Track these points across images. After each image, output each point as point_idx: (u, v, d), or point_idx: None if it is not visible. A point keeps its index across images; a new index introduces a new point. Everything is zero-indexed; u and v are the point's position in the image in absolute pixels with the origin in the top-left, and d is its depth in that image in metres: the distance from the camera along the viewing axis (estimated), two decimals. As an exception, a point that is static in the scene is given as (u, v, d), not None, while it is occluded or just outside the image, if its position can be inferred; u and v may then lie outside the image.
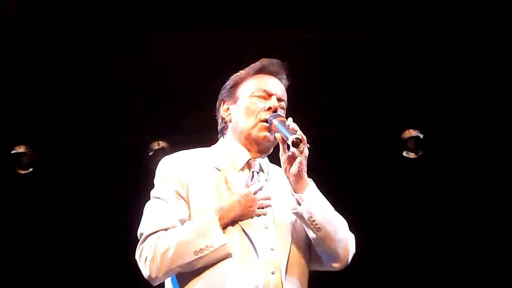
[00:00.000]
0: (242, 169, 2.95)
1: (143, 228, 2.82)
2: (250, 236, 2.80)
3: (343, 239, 2.88)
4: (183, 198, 2.85)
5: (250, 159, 2.96)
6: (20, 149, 5.72)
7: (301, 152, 2.81)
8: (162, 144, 5.76)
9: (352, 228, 2.95)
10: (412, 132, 5.81)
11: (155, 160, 5.31)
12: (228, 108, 3.03)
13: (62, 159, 5.78)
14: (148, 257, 2.76)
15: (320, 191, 2.89)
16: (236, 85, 3.04)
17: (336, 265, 2.91)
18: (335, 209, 2.91)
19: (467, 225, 6.00)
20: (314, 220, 2.81)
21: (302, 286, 2.88)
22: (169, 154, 5.56)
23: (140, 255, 2.79)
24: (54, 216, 5.85)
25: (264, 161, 3.01)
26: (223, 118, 3.04)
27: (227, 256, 2.76)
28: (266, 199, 2.87)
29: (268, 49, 5.21)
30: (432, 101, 5.78)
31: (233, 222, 2.81)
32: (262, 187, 2.88)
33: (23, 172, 5.75)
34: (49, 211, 5.85)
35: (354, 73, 5.70)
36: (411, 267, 6.02)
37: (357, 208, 5.49)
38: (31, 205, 5.88)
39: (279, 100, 2.98)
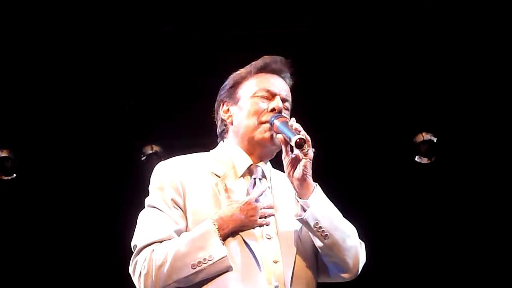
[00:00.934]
0: (243, 176, 2.84)
1: (137, 239, 2.72)
2: (252, 248, 2.69)
3: (352, 248, 2.77)
4: (179, 206, 2.74)
5: (251, 165, 2.85)
6: (3, 153, 5.64)
7: (305, 155, 2.71)
8: (156, 148, 5.67)
9: (362, 236, 2.85)
10: (425, 136, 5.74)
11: (148, 166, 5.26)
12: (228, 110, 2.92)
13: (47, 164, 5.67)
14: (143, 272, 2.66)
15: (328, 196, 2.78)
16: (236, 84, 2.93)
17: (346, 276, 2.81)
18: (344, 215, 2.81)
19: (482, 233, 5.88)
20: (320, 227, 2.70)
21: None
22: (163, 159, 5.43)
23: (134, 269, 2.70)
24: (39, 224, 5.73)
25: (267, 167, 2.89)
26: (223, 120, 2.93)
27: (227, 269, 2.64)
28: (269, 208, 2.74)
29: (272, 45, 5.10)
30: (447, 103, 5.67)
31: (233, 233, 2.70)
32: (263, 192, 2.75)
33: (6, 178, 5.69)
34: (35, 218, 5.74)
35: (363, 74, 5.60)
36: (424, 274, 5.90)
37: (367, 215, 5.44)
38: (15, 212, 5.76)
39: (283, 100, 2.87)
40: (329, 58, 5.51)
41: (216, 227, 2.65)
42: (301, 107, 2.98)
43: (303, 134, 2.68)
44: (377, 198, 5.80)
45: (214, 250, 2.62)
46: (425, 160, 5.80)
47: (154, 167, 2.87)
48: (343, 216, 2.81)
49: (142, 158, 5.64)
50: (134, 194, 2.92)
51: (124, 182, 5.42)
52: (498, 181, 5.81)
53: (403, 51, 5.52)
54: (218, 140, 2.95)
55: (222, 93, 2.95)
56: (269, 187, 2.83)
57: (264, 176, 2.85)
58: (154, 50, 5.43)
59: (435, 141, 5.75)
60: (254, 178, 2.83)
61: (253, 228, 2.70)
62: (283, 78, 2.92)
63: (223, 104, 2.93)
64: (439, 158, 5.81)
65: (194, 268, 2.61)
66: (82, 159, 5.64)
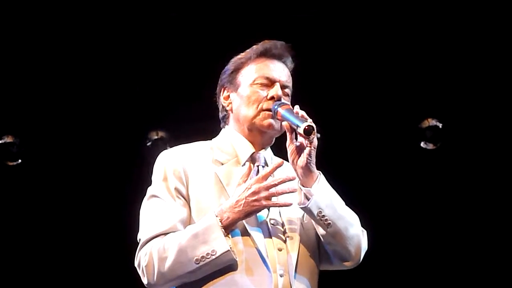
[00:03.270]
0: (246, 163, 2.85)
1: (141, 232, 2.74)
2: (256, 236, 2.70)
3: (355, 236, 2.78)
4: (182, 196, 2.75)
5: (254, 152, 2.87)
6: (8, 139, 5.60)
7: (311, 143, 2.72)
8: (161, 133, 5.62)
9: (366, 223, 2.86)
10: (431, 122, 5.72)
11: (153, 151, 5.24)
12: (228, 96, 2.94)
13: (53, 150, 5.62)
14: (146, 266, 2.68)
15: (332, 183, 2.79)
16: (236, 70, 2.93)
17: (348, 264, 2.83)
18: (349, 202, 2.83)
19: (488, 219, 5.84)
20: (324, 216, 2.70)
21: (312, 287, 2.78)
22: (169, 144, 5.42)
23: (139, 263, 2.72)
24: (45, 209, 5.69)
25: (268, 154, 2.91)
26: (223, 107, 2.95)
27: (232, 262, 2.65)
28: (277, 184, 2.68)
29: (276, 30, 5.05)
30: (453, 89, 5.65)
31: (238, 222, 2.69)
32: (266, 175, 2.69)
33: (11, 163, 5.64)
34: (40, 204, 5.69)
35: (369, 60, 5.57)
36: (430, 261, 5.87)
37: (372, 201, 5.51)
38: (20, 199, 5.71)
39: (283, 87, 2.88)
40: (334, 43, 5.49)
41: (219, 219, 2.64)
42: (305, 94, 2.97)
43: (311, 121, 2.69)
44: (382, 184, 5.77)
45: (217, 244, 2.61)
46: (430, 146, 5.78)
47: (159, 152, 2.89)
48: (348, 202, 2.83)
49: (148, 144, 5.61)
50: (139, 180, 2.91)
51: (130, 168, 5.38)
52: (504, 166, 5.78)
53: (409, 36, 5.50)
54: (221, 125, 2.97)
55: (223, 78, 2.95)
56: (272, 175, 2.79)
57: (266, 163, 2.85)
58: (161, 34, 5.41)
59: (440, 127, 5.73)
60: (257, 166, 2.83)
61: (260, 212, 2.69)
62: (283, 62, 2.91)
63: (224, 90, 2.94)
64: (445, 144, 5.78)
65: (198, 263, 2.62)
66: (87, 144, 5.61)
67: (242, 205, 2.65)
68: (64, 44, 5.39)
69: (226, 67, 2.96)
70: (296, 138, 2.73)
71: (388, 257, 5.72)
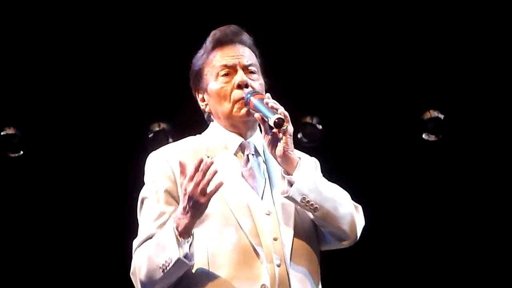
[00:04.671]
0: (236, 153, 2.84)
1: (135, 240, 2.77)
2: (248, 229, 2.69)
3: (347, 214, 2.76)
4: (172, 196, 2.75)
5: (242, 141, 2.85)
6: (10, 130, 5.58)
7: (285, 132, 2.69)
8: (163, 125, 5.61)
9: (367, 216, 2.85)
10: (432, 113, 5.71)
11: (155, 143, 5.24)
12: (203, 98, 2.92)
13: (54, 141, 5.61)
14: (132, 275, 2.74)
15: (335, 174, 2.81)
16: (200, 70, 2.90)
17: (345, 243, 2.81)
18: (350, 195, 2.81)
19: (489, 211, 5.83)
20: (308, 201, 2.68)
21: (311, 273, 2.76)
22: (170, 136, 5.39)
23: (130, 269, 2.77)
24: (47, 201, 5.68)
25: (259, 141, 2.87)
26: (202, 109, 2.94)
27: (189, 267, 2.64)
28: (201, 180, 2.59)
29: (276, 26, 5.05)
30: (455, 80, 5.64)
31: (226, 216, 2.70)
32: (191, 176, 2.60)
33: (12, 155, 5.62)
34: (42, 195, 5.69)
35: (370, 51, 5.56)
36: (431, 255, 5.86)
37: (375, 192, 5.50)
38: (22, 191, 5.70)
39: (246, 67, 2.84)
40: (336, 36, 5.49)
41: (175, 226, 2.62)
42: (307, 86, 2.95)
43: (281, 111, 2.68)
44: (384, 176, 5.76)
45: (171, 252, 2.60)
46: (432, 138, 5.77)
47: (161, 145, 2.91)
48: (350, 194, 2.82)
49: (149, 135, 5.60)
50: (141, 172, 2.89)
51: (132, 160, 5.17)
52: (506, 158, 5.78)
53: (410, 28, 5.50)
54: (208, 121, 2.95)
55: (192, 81, 2.94)
56: (264, 162, 2.83)
57: (256, 150, 2.84)
58: (162, 26, 5.42)
59: (442, 118, 5.72)
60: (247, 155, 2.82)
61: (207, 206, 2.62)
62: (239, 42, 2.88)
63: (196, 93, 2.93)
64: (447, 135, 5.78)
65: (163, 271, 2.62)
66: (89, 136, 5.60)
67: (187, 211, 2.61)
68: (65, 36, 5.39)
69: (191, 69, 2.94)
70: (271, 129, 2.71)
71: (390, 250, 5.73)
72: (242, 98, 2.79)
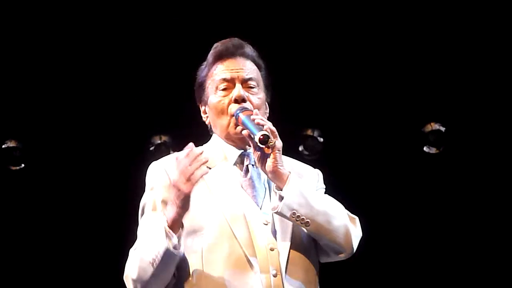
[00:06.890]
0: (236, 164, 2.84)
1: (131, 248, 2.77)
2: (244, 239, 2.67)
3: (341, 227, 2.73)
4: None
5: (242, 152, 2.84)
6: (11, 143, 5.59)
7: (273, 147, 2.67)
8: (164, 138, 5.62)
9: (368, 227, 2.85)
10: (433, 126, 5.72)
11: (156, 155, 5.08)
12: (205, 111, 2.93)
13: (56, 154, 5.63)
14: (125, 277, 2.73)
15: (336, 187, 2.81)
16: (202, 84, 2.91)
17: (341, 255, 2.79)
18: (351, 207, 2.81)
19: (490, 223, 5.84)
20: (299, 216, 2.66)
21: (308, 284, 2.73)
22: (171, 149, 5.40)
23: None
24: (48, 213, 5.69)
25: None
26: (204, 121, 2.95)
27: (178, 259, 2.63)
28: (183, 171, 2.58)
29: (277, 32, 5.05)
30: (456, 93, 5.65)
31: (221, 226, 2.68)
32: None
33: (14, 168, 5.64)
34: (43, 208, 5.69)
35: (372, 63, 5.59)
36: (432, 266, 5.86)
37: (376, 205, 5.51)
38: (23, 204, 5.71)
39: (245, 81, 2.82)
40: (337, 47, 5.50)
41: (165, 219, 2.62)
42: (308, 99, 2.94)
43: (267, 127, 2.66)
44: (385, 188, 5.77)
45: (160, 245, 2.59)
46: (433, 150, 5.79)
47: (162, 156, 2.90)
48: (351, 206, 2.81)
49: (151, 148, 5.61)
50: (142, 185, 2.90)
51: (133, 173, 5.17)
52: (506, 171, 5.78)
53: (412, 40, 5.51)
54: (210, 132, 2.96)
55: (195, 93, 2.94)
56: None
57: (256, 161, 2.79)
58: (164, 38, 5.43)
59: (443, 131, 5.73)
60: (247, 165, 2.81)
61: (189, 195, 2.60)
62: (241, 55, 2.87)
63: (200, 105, 2.94)
64: (448, 148, 5.79)
65: (153, 264, 2.60)
66: (90, 149, 5.61)
67: (173, 202, 2.60)
68: (67, 48, 5.40)
69: (195, 81, 2.94)
70: (259, 144, 2.69)
71: (391, 262, 5.73)
72: None
